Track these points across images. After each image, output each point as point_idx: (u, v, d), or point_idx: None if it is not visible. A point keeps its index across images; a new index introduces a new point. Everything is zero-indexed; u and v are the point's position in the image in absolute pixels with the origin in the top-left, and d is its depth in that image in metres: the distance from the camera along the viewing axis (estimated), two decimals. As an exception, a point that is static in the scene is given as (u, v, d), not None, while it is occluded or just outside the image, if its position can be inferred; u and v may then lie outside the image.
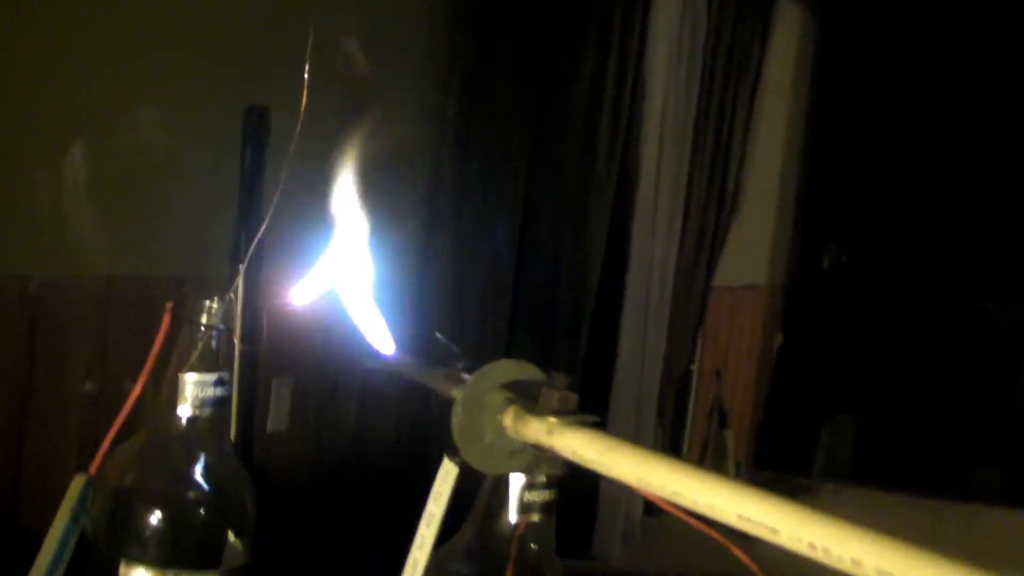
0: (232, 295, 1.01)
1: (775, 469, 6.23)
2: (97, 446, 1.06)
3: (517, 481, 0.89)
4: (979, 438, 6.40)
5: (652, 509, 5.15)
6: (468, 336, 3.87)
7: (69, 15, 2.80)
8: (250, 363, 2.79)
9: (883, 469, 6.30)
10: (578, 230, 4.35)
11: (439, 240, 3.85)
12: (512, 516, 0.90)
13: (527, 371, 0.88)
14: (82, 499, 1.05)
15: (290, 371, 3.43)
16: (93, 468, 1.04)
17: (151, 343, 1.05)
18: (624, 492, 4.79)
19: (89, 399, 2.85)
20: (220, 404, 1.03)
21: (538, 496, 0.90)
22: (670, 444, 5.45)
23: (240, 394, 2.88)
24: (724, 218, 5.50)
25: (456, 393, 0.86)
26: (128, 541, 1.01)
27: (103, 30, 2.87)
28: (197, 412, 1.01)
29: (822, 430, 6.55)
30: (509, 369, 0.88)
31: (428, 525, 0.91)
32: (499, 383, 0.86)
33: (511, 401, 0.85)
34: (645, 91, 4.57)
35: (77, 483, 1.05)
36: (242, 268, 1.03)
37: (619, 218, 4.58)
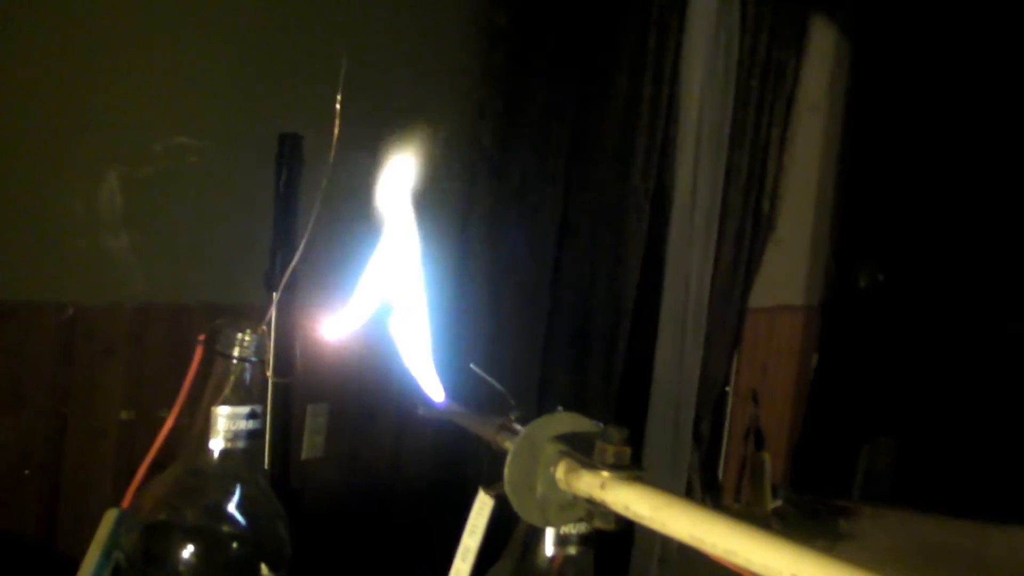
0: (264, 328, 1.00)
1: (813, 491, 6.17)
2: (132, 474, 1.05)
3: (554, 514, 0.87)
4: (1020, 458, 6.32)
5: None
6: (503, 358, 3.86)
7: (104, 45, 2.80)
8: (284, 392, 2.78)
9: (922, 490, 6.23)
10: (614, 251, 4.32)
11: (475, 261, 3.84)
12: (549, 550, 0.89)
13: (581, 424, 0.87)
14: (114, 533, 1.04)
15: (325, 397, 3.42)
16: (126, 502, 1.03)
17: (185, 371, 1.05)
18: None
19: (124, 427, 2.85)
20: (253, 437, 1.01)
21: (575, 529, 0.89)
22: (706, 466, 5.42)
23: (274, 421, 2.88)
24: (760, 238, 5.46)
25: (508, 444, 0.85)
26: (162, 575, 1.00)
27: (138, 59, 2.88)
28: (230, 445, 1.00)
29: (860, 451, 6.48)
30: (564, 421, 0.86)
31: (463, 559, 0.90)
32: (553, 435, 0.85)
33: (564, 454, 0.84)
34: (680, 111, 4.54)
35: (109, 517, 1.04)
36: (275, 298, 1.02)
37: (655, 239, 4.54)
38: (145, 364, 2.92)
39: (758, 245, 5.45)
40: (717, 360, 5.24)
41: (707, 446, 5.39)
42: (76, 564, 1.05)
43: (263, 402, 1.01)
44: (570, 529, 0.88)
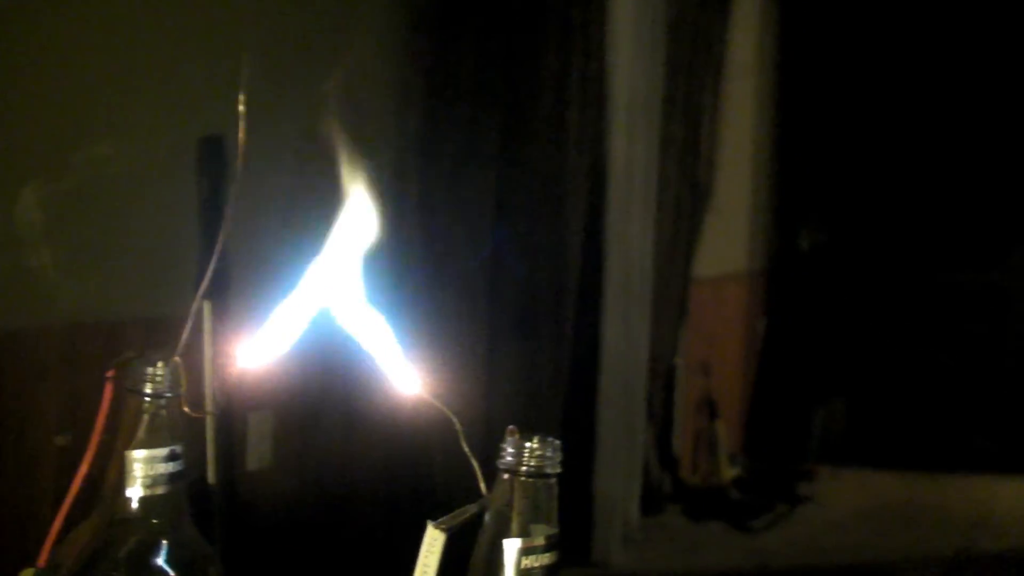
0: (178, 358, 0.91)
1: (769, 457, 6.15)
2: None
3: (512, 545, 0.79)
4: (971, 408, 6.36)
5: (651, 508, 5.07)
6: (447, 348, 3.77)
7: (11, 58, 2.70)
8: (225, 404, 2.68)
9: (878, 448, 6.23)
10: (553, 229, 4.27)
11: (410, 248, 3.75)
12: (510, 587, 0.80)
13: None
14: (32, 595, 0.95)
15: (267, 405, 3.32)
16: (42, 560, 0.94)
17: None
18: (621, 492, 4.70)
19: (61, 452, 2.75)
20: (175, 480, 0.92)
21: (537, 560, 0.80)
22: (661, 441, 5.38)
23: (217, 434, 2.79)
24: (699, 207, 5.43)
25: None
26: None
27: (48, 69, 2.78)
28: (149, 492, 0.91)
29: (813, 414, 6.47)
30: None
31: (417, 602, 0.81)
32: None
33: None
34: (610, 84, 4.50)
35: (25, 578, 0.95)
36: (189, 323, 0.93)
37: (594, 215, 4.50)
38: (80, 385, 2.81)
39: (698, 214, 5.43)
40: (665, 334, 5.20)
41: (660, 421, 5.36)
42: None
43: (184, 440, 0.92)
44: (531, 561, 0.80)
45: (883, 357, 6.54)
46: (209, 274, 0.99)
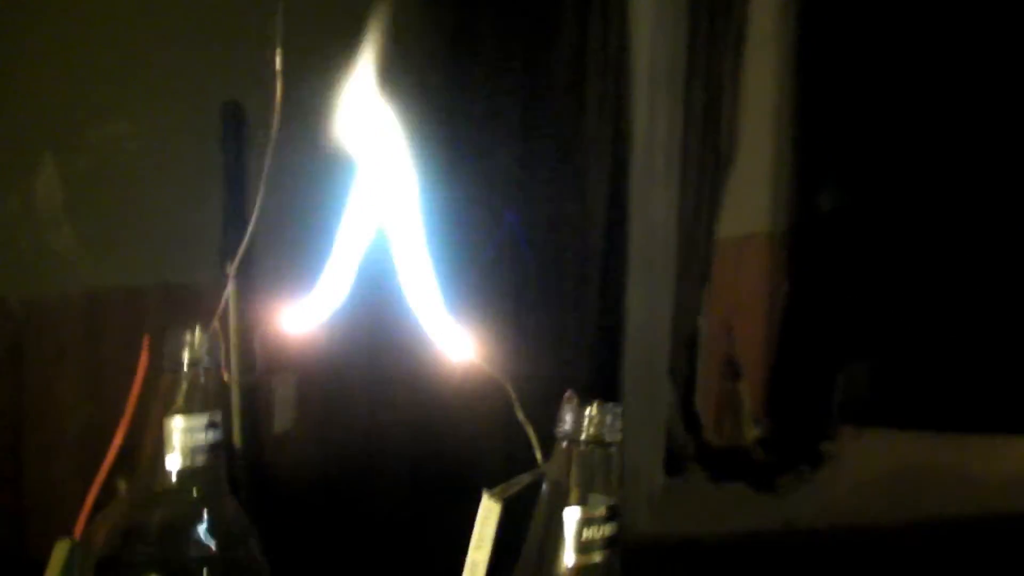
0: (216, 325, 0.87)
1: (793, 418, 6.12)
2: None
3: (572, 516, 0.76)
4: (997, 368, 6.30)
5: (674, 470, 5.06)
6: (472, 309, 3.74)
7: (32, 26, 2.67)
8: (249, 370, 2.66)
9: (902, 408, 6.18)
10: (576, 194, 4.25)
11: (433, 217, 3.72)
12: (569, 558, 0.77)
13: None
14: (68, 568, 0.92)
15: (293, 368, 3.30)
16: (77, 532, 0.91)
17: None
18: (645, 456, 4.69)
19: (87, 422, 2.73)
20: (214, 449, 0.89)
21: (598, 532, 0.77)
22: (684, 403, 5.36)
23: (242, 400, 2.77)
24: (721, 169, 5.40)
25: None
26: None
27: (68, 40, 2.74)
28: (189, 462, 0.88)
29: (837, 374, 6.43)
30: None
31: (472, 576, 0.78)
32: None
33: None
34: (632, 53, 4.46)
35: (60, 550, 0.92)
36: (229, 287, 0.90)
37: (617, 179, 4.47)
38: (102, 353, 2.79)
39: (720, 177, 5.40)
40: (688, 297, 5.17)
41: (683, 383, 5.34)
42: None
43: (221, 408, 0.89)
44: (592, 533, 0.76)
45: (908, 316, 6.48)
46: (247, 240, 0.97)
